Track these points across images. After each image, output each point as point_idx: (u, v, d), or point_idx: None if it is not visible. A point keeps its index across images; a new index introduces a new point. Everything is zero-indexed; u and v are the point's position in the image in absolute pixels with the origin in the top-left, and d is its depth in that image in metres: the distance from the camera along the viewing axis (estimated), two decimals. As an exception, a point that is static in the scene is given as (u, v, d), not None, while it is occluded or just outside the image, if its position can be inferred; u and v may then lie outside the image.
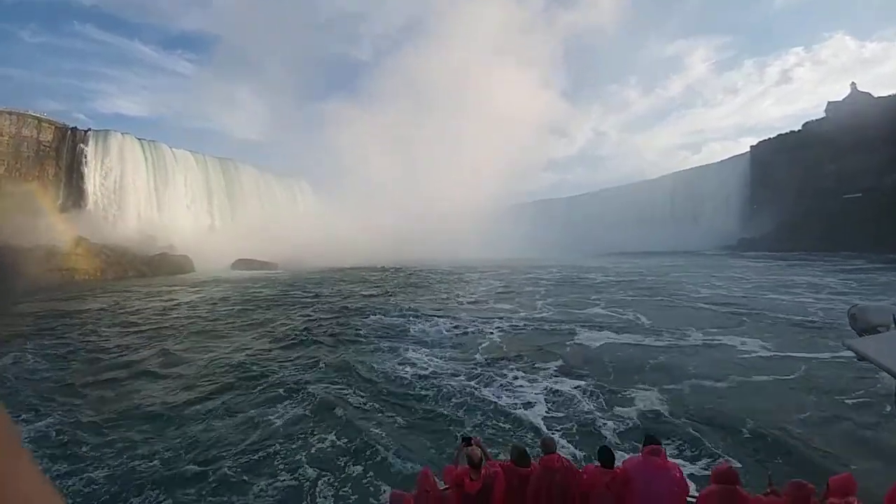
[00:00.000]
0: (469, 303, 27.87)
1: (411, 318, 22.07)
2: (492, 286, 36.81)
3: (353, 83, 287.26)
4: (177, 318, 24.44)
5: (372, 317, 22.78)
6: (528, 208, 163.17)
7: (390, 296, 31.71)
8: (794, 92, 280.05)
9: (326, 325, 21.09)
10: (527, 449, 4.91)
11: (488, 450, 5.16)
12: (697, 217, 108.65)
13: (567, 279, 41.61)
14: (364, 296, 32.07)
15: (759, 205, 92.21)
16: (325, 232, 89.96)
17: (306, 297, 32.03)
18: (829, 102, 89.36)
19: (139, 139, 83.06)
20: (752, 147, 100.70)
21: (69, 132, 77.88)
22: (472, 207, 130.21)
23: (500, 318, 21.85)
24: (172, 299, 32.44)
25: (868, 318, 3.50)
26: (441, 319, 21.58)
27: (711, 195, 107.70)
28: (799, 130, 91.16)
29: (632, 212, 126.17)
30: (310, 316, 23.87)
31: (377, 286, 38.64)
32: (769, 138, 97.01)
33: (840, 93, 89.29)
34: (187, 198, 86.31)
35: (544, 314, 23.00)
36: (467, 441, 4.96)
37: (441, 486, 4.44)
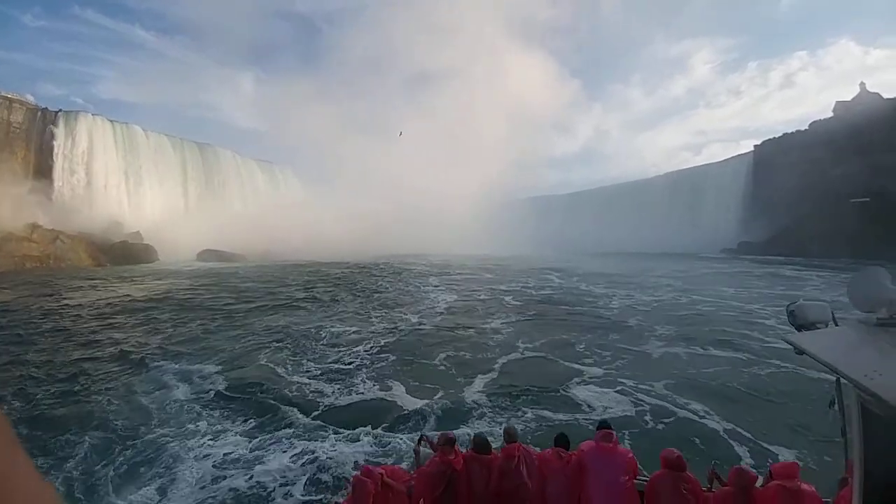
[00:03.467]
0: (355, 362, 14.22)
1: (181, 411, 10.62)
2: (437, 308, 24.37)
3: (347, 69, 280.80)
4: (30, 324, 20.45)
5: (140, 400, 11.29)
6: (527, 204, 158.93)
7: (298, 312, 23.07)
8: (797, 97, 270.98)
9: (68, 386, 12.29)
10: (487, 439, 4.98)
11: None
12: (696, 218, 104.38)
13: (560, 293, 30.47)
14: (266, 309, 23.73)
15: (761, 207, 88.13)
16: (309, 222, 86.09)
17: (218, 305, 25.18)
18: (837, 102, 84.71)
19: (111, 121, 79.39)
20: (755, 146, 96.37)
21: (39, 113, 74.49)
22: (469, 201, 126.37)
23: (357, 431, 9.48)
24: (75, 297, 28.18)
25: (807, 314, 3.48)
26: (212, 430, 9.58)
27: (711, 196, 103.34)
28: (805, 130, 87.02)
29: (630, 211, 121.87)
30: (133, 346, 16.42)
31: (314, 292, 30.05)
32: (773, 137, 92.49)
33: (843, 98, 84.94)
34: (160, 184, 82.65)
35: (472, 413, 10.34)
36: (419, 440, 5.28)
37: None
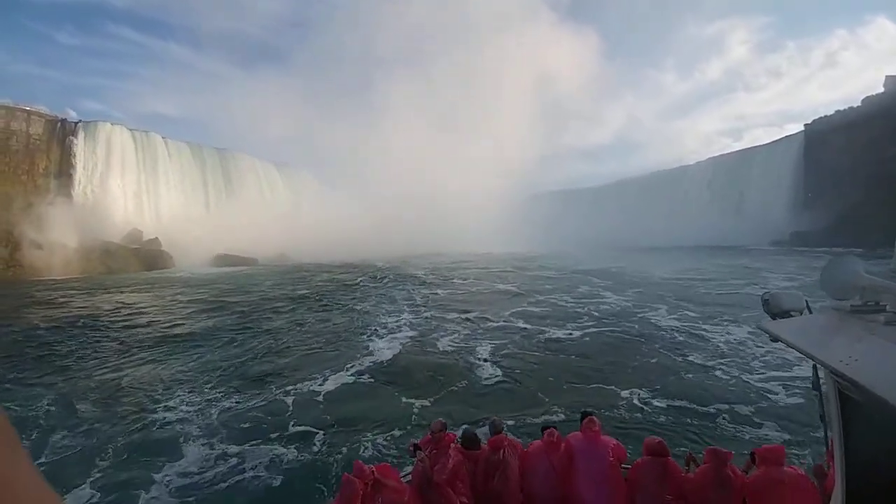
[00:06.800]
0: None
1: None
2: (322, 393, 12.22)
3: (363, 63, 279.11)
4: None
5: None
6: (552, 198, 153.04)
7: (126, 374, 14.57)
8: (842, 77, 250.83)
9: None
10: (476, 433, 4.98)
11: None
12: (741, 207, 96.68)
13: (624, 336, 16.98)
14: (126, 358, 16.06)
15: (813, 193, 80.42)
16: (327, 222, 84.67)
17: (130, 330, 20.57)
18: (887, 76, 77.95)
19: (130, 129, 79.56)
20: (805, 125, 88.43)
21: (59, 124, 75.23)
22: (494, 195, 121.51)
23: None
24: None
25: (781, 303, 3.48)
26: None
27: (757, 182, 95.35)
28: (858, 106, 79.28)
29: (666, 202, 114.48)
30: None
31: (251, 320, 23.06)
32: (825, 116, 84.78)
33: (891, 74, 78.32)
34: (179, 190, 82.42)
35: None
36: (416, 446, 4.93)
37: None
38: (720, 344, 15.46)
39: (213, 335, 18.65)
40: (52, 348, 16.88)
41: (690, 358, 14.05)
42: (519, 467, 4.65)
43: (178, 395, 11.77)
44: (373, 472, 4.21)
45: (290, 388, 12.07)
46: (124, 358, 15.45)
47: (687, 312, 20.83)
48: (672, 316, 20.25)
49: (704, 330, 17.52)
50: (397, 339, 17.36)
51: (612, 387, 11.58)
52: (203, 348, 16.62)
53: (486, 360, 14.33)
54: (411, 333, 18.17)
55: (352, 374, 13.15)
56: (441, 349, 15.82)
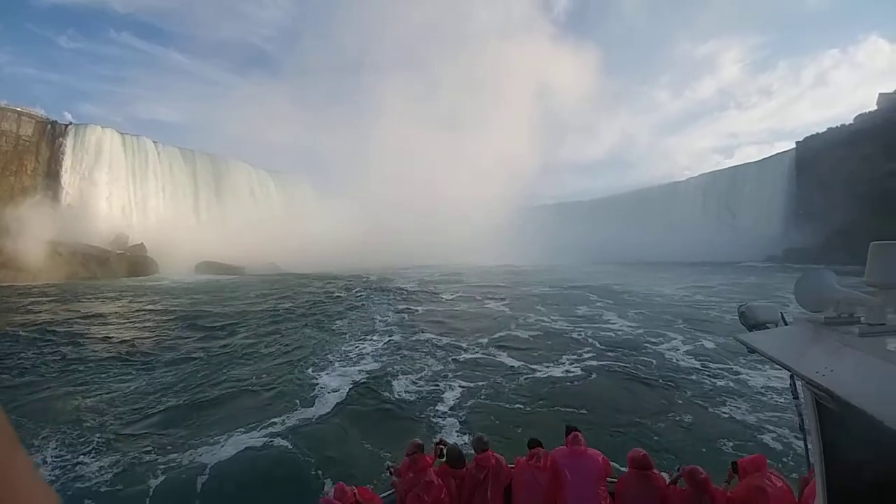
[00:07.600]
0: None
1: None
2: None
3: (363, 74, 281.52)
4: None
5: None
6: (548, 211, 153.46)
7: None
8: (832, 96, 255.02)
9: None
10: (461, 451, 4.85)
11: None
12: (734, 223, 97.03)
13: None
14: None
15: (807, 209, 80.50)
16: (321, 232, 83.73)
17: (114, 342, 18.96)
18: (879, 94, 78.00)
19: (121, 133, 78.78)
20: (797, 143, 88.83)
21: (49, 126, 74.48)
22: (489, 207, 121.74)
23: None
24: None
25: (757, 315, 3.59)
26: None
27: (749, 198, 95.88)
28: (850, 124, 79.48)
29: (660, 217, 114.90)
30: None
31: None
32: (817, 133, 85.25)
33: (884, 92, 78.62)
34: (169, 195, 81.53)
35: None
36: (391, 471, 4.85)
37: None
38: (760, 391, 11.83)
39: (161, 356, 16.71)
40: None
41: (727, 410, 10.71)
42: (504, 484, 4.61)
43: (56, 445, 9.20)
44: (354, 493, 4.15)
45: (175, 454, 8.76)
46: (54, 380, 13.85)
47: (706, 342, 17.36)
48: (690, 346, 16.83)
49: (735, 368, 13.83)
50: (352, 375, 13.62)
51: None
52: (137, 373, 14.59)
53: (452, 415, 10.62)
54: (372, 367, 14.58)
55: (266, 435, 9.49)
56: (398, 395, 12.03)
